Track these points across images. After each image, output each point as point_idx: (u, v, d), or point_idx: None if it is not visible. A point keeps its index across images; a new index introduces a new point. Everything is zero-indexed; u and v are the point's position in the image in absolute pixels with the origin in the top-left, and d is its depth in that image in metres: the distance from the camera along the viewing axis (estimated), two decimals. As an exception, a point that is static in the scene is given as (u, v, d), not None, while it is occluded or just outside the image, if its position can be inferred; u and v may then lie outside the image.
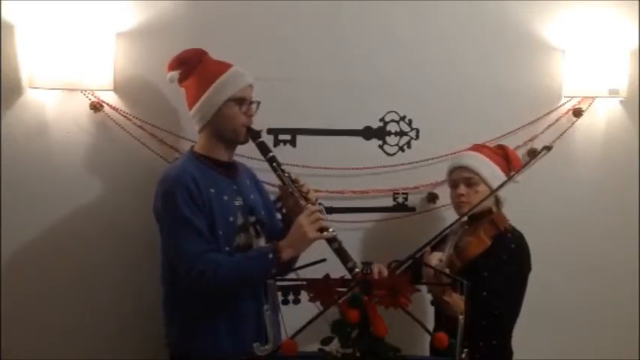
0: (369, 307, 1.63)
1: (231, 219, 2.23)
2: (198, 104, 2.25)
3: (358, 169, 2.79)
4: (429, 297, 2.66)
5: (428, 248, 2.36)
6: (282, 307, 1.95)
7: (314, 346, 1.69)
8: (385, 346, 1.64)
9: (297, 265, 2.19)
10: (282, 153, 2.70)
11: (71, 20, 2.35)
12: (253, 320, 2.26)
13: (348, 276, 2.12)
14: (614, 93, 2.90)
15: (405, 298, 1.63)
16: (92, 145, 2.51)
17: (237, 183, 2.31)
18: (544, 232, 2.79)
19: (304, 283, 1.76)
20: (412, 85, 2.84)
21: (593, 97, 2.97)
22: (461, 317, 1.73)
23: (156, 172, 2.43)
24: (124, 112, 2.52)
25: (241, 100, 2.25)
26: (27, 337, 2.51)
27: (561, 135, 2.98)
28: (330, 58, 2.74)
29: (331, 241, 2.18)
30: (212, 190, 2.20)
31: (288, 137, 2.74)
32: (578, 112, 2.98)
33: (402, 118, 2.85)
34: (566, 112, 2.99)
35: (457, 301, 2.21)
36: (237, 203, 2.27)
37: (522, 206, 2.66)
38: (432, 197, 2.89)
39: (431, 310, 2.64)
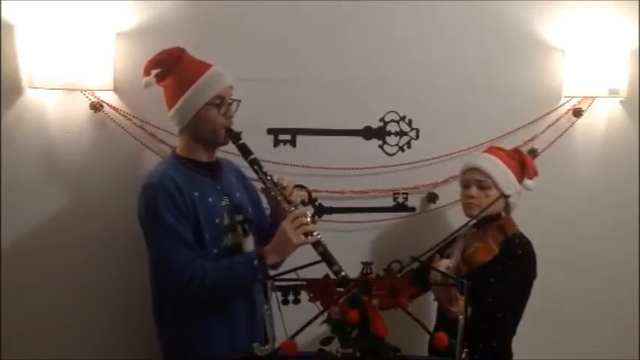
0: (369, 307, 1.63)
1: (217, 220, 2.21)
2: (176, 107, 2.21)
3: (358, 169, 2.79)
4: (429, 297, 2.66)
5: (437, 255, 2.35)
6: (282, 307, 1.96)
7: (314, 346, 1.69)
8: (385, 346, 1.64)
9: (297, 265, 2.19)
10: (282, 153, 2.71)
11: (71, 20, 2.34)
12: (245, 320, 2.26)
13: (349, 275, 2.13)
14: (614, 93, 2.90)
15: (405, 298, 1.64)
16: (92, 145, 2.51)
17: (222, 182, 2.29)
18: (544, 232, 2.79)
19: (304, 283, 1.76)
20: (412, 85, 2.84)
21: (593, 97, 2.97)
22: (461, 317, 1.73)
23: (156, 172, 2.44)
24: (124, 112, 2.52)
25: (220, 103, 2.21)
26: (26, 337, 2.51)
27: (561, 135, 2.98)
28: (330, 58, 2.74)
29: (316, 245, 2.17)
30: (196, 194, 2.18)
31: (288, 137, 2.73)
32: (578, 112, 2.98)
33: (402, 118, 2.85)
34: (566, 112, 2.99)
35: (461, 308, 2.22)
36: (223, 203, 2.25)
37: (522, 206, 2.65)
38: (432, 197, 2.89)
39: (431, 311, 2.64)
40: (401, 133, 2.85)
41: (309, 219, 2.18)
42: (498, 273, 2.36)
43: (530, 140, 2.95)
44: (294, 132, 2.74)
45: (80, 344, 2.57)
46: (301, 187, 2.73)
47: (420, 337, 2.50)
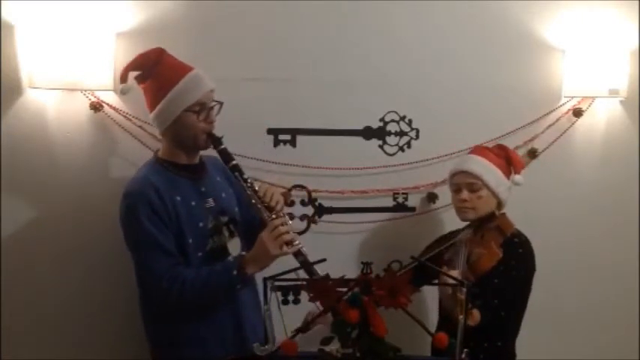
0: (369, 307, 1.64)
1: (200, 224, 2.19)
2: (155, 112, 2.19)
3: (358, 169, 2.79)
4: (429, 297, 2.67)
5: (449, 270, 2.34)
6: (282, 307, 1.96)
7: (314, 346, 1.70)
8: (385, 346, 1.65)
9: (297, 265, 2.19)
10: (282, 153, 2.71)
11: (71, 20, 2.34)
12: (232, 321, 2.25)
13: (349, 275, 2.12)
14: (614, 93, 2.90)
15: (405, 298, 1.64)
16: (92, 145, 2.51)
17: (206, 184, 2.26)
18: (544, 232, 2.79)
19: (304, 283, 1.77)
20: (412, 85, 2.83)
21: (593, 97, 2.96)
22: (461, 317, 1.73)
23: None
24: (124, 112, 2.52)
25: (200, 108, 2.16)
26: (26, 337, 2.51)
27: (561, 135, 2.98)
28: (330, 58, 2.73)
29: (296, 254, 2.12)
30: (178, 198, 2.16)
31: (288, 137, 2.73)
32: (578, 112, 2.98)
33: (402, 118, 2.85)
34: (566, 112, 2.99)
35: (476, 318, 2.23)
36: (207, 206, 2.22)
37: (522, 206, 2.66)
38: (432, 197, 2.88)
39: (431, 311, 2.64)
40: (401, 133, 2.85)
41: (289, 227, 2.13)
42: (501, 274, 2.37)
43: (530, 140, 2.95)
44: (294, 132, 2.74)
45: (80, 344, 2.57)
46: (301, 187, 2.73)
47: (420, 337, 2.50)
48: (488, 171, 2.47)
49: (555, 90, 2.96)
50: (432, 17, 2.82)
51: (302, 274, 2.22)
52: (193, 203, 2.19)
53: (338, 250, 2.75)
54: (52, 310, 2.54)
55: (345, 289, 1.67)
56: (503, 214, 2.52)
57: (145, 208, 2.10)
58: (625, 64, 2.91)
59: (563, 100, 2.98)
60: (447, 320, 2.39)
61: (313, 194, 2.75)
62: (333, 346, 1.66)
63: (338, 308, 1.68)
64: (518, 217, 2.54)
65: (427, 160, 2.84)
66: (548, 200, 3.01)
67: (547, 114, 2.96)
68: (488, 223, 2.47)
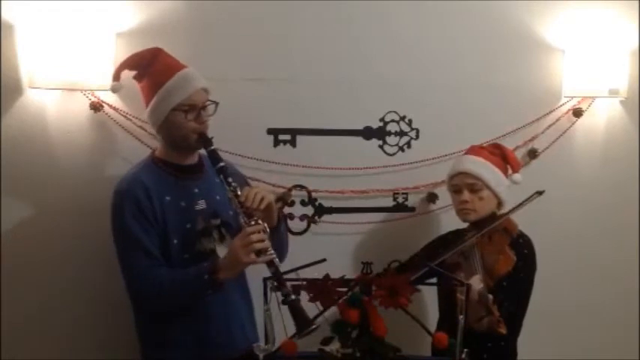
0: (369, 307, 1.64)
1: (188, 225, 2.18)
2: (147, 110, 2.20)
3: (358, 169, 2.79)
4: (429, 297, 2.66)
5: (468, 276, 2.33)
6: (282, 307, 1.96)
7: (314, 346, 1.70)
8: (385, 346, 1.65)
9: (297, 265, 2.19)
10: (282, 153, 2.71)
11: (71, 20, 2.34)
12: (221, 320, 2.24)
13: (349, 275, 2.12)
14: (614, 93, 2.90)
15: (405, 298, 1.64)
16: (92, 145, 2.51)
17: (200, 185, 2.24)
18: (544, 231, 2.79)
19: (304, 283, 1.77)
20: (412, 85, 2.83)
21: (593, 97, 2.96)
22: (461, 317, 1.73)
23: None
24: (124, 112, 2.52)
25: (189, 108, 2.15)
26: (26, 337, 2.51)
27: (561, 135, 2.98)
28: (330, 58, 2.73)
29: (268, 264, 2.05)
30: (167, 198, 2.16)
31: (288, 137, 2.73)
32: (578, 112, 2.97)
33: (402, 118, 2.85)
34: (566, 112, 2.99)
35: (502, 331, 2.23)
36: (197, 208, 2.21)
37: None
38: (432, 197, 2.88)
39: (431, 311, 2.64)
40: (401, 133, 2.85)
41: (262, 236, 2.06)
42: (510, 276, 2.38)
43: (530, 140, 2.95)
44: (294, 132, 2.73)
45: (80, 344, 2.57)
46: (301, 187, 2.73)
47: (420, 337, 2.50)
48: (488, 171, 2.47)
49: (555, 90, 2.96)
50: (431, 17, 2.82)
51: (302, 274, 2.23)
52: (183, 204, 2.19)
53: (338, 250, 2.75)
54: (52, 310, 2.53)
55: (345, 289, 1.67)
56: (510, 218, 2.52)
57: (132, 206, 2.12)
58: (625, 64, 2.90)
59: (563, 100, 2.98)
60: (446, 320, 2.40)
61: (313, 194, 2.75)
62: (333, 346, 1.66)
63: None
64: (519, 217, 2.53)
65: (427, 160, 2.84)
66: (548, 200, 3.00)
67: (547, 114, 2.96)
68: (492, 224, 2.46)
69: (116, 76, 2.25)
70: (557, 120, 2.97)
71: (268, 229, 2.10)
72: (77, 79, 2.38)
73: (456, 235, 2.56)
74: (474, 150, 2.58)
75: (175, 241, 2.16)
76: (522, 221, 2.53)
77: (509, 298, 2.34)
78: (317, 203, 2.78)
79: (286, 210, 2.73)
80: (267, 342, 1.79)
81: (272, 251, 2.05)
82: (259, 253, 2.03)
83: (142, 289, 2.12)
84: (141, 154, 2.51)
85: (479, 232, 2.44)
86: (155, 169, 2.22)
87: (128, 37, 2.48)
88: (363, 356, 1.62)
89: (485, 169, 2.47)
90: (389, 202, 2.87)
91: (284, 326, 2.14)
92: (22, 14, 2.36)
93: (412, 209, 2.89)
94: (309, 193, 2.74)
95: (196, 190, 2.23)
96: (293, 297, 1.91)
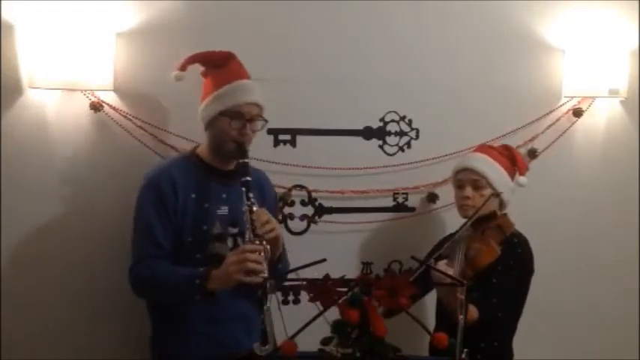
0: (369, 307, 1.64)
1: (204, 227, 2.20)
2: (201, 107, 2.26)
3: (358, 169, 2.79)
4: (429, 297, 2.66)
5: (439, 261, 2.34)
6: (282, 307, 1.96)
7: (314, 346, 1.69)
8: (385, 346, 1.65)
9: (297, 265, 2.19)
10: (282, 153, 2.71)
11: (71, 20, 2.34)
12: (239, 320, 2.25)
13: (349, 275, 2.11)
14: (614, 93, 2.90)
15: (405, 298, 1.64)
16: (92, 145, 2.51)
17: (230, 192, 2.25)
18: (544, 232, 2.80)
19: (304, 283, 1.76)
20: (412, 85, 2.83)
21: (593, 97, 2.96)
22: (461, 317, 1.73)
23: (156, 172, 2.43)
24: (124, 112, 2.52)
25: (236, 116, 2.19)
26: (26, 337, 2.51)
27: (561, 135, 2.98)
28: (330, 57, 2.73)
29: (257, 286, 2.00)
30: (192, 196, 2.19)
31: (288, 137, 2.73)
32: (578, 112, 2.98)
33: (402, 118, 2.85)
34: (566, 112, 2.99)
35: (473, 315, 2.23)
36: (219, 212, 2.23)
37: (522, 206, 2.66)
38: (432, 197, 2.88)
39: (431, 311, 2.64)
40: (401, 133, 2.85)
41: (259, 258, 2.03)
42: (500, 273, 2.37)
43: (530, 140, 2.95)
44: (294, 132, 2.74)
45: (79, 345, 2.56)
46: (301, 187, 2.73)
47: (420, 337, 2.50)
48: (493, 170, 2.48)
49: (555, 90, 2.96)
50: (432, 17, 2.83)
51: (302, 274, 2.22)
52: (206, 205, 2.22)
53: (338, 250, 2.75)
54: (52, 310, 2.53)
55: (345, 289, 1.67)
56: (505, 213, 2.53)
57: (154, 195, 2.17)
58: (625, 64, 2.91)
59: (563, 100, 2.98)
60: (444, 321, 2.40)
61: (313, 194, 2.76)
62: (333, 346, 1.65)
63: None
64: (518, 217, 2.54)
65: (427, 160, 2.84)
66: (548, 200, 3.01)
67: (547, 114, 2.97)
68: (489, 222, 2.46)
69: (183, 67, 2.27)
70: (557, 120, 2.98)
71: (270, 253, 2.09)
72: (77, 79, 2.37)
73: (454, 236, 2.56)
74: (483, 148, 2.59)
75: (190, 239, 2.19)
76: (522, 221, 2.53)
77: (499, 296, 2.33)
78: (317, 203, 2.78)
79: (286, 210, 2.73)
80: (267, 342, 1.79)
81: (265, 274, 2.01)
82: (251, 273, 2.01)
83: (140, 274, 2.16)
84: (141, 154, 2.52)
85: (473, 228, 2.44)
86: (189, 164, 2.25)
87: (128, 37, 2.48)
88: (363, 356, 1.62)
89: (490, 167, 2.48)
90: (389, 202, 2.87)
91: (284, 326, 2.14)
92: (22, 14, 2.35)
93: (412, 209, 2.89)
94: (309, 193, 2.74)
95: (224, 196, 2.25)
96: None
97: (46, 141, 2.46)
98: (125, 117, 2.52)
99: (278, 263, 2.25)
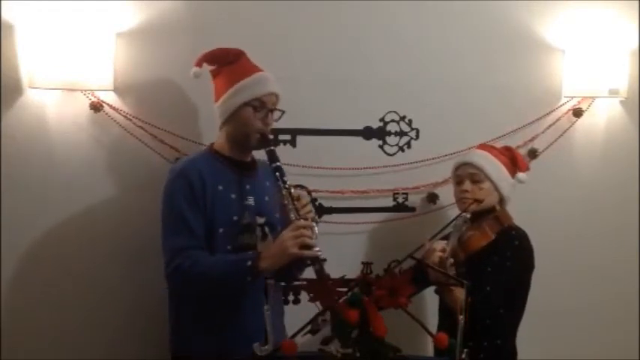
0: (369, 307, 1.63)
1: (235, 218, 2.21)
2: (219, 102, 2.26)
3: (358, 169, 2.79)
4: (428, 297, 2.66)
5: (427, 242, 2.37)
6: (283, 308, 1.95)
7: (314, 346, 1.69)
8: (385, 346, 1.64)
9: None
10: (282, 153, 2.69)
11: (71, 20, 2.34)
12: (251, 319, 2.22)
13: (349, 275, 2.11)
14: (614, 93, 2.90)
15: (405, 298, 1.64)
16: (92, 145, 2.51)
17: (253, 183, 2.29)
18: (544, 231, 2.79)
19: (304, 283, 1.77)
20: (412, 85, 2.83)
21: (593, 97, 2.97)
22: (461, 317, 1.73)
23: (156, 172, 2.44)
24: (124, 112, 2.52)
25: (259, 106, 2.23)
26: (27, 338, 2.51)
27: (561, 135, 2.98)
28: (330, 57, 2.74)
29: (313, 261, 2.08)
30: (220, 187, 2.20)
31: (288, 137, 2.73)
32: (578, 112, 2.98)
33: (402, 118, 2.85)
34: (566, 112, 2.99)
35: (458, 295, 2.23)
36: (246, 203, 2.25)
37: (522, 206, 2.65)
38: (433, 197, 2.88)
39: (431, 311, 2.64)
40: (401, 133, 2.85)
41: (312, 233, 2.10)
42: (495, 263, 2.38)
43: (530, 140, 2.95)
44: (294, 132, 2.74)
45: (79, 345, 2.56)
46: (301, 187, 2.73)
47: (420, 337, 2.50)
48: (491, 164, 2.49)
49: (555, 90, 2.96)
50: (432, 17, 2.83)
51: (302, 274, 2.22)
52: (233, 196, 2.23)
53: (338, 250, 2.74)
54: (52, 310, 2.53)
55: (345, 289, 1.67)
56: (503, 208, 2.53)
57: (183, 186, 2.16)
58: (625, 64, 2.91)
59: (563, 100, 2.98)
60: (446, 319, 2.40)
61: (313, 194, 2.75)
62: (333, 346, 1.65)
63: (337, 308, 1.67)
64: (519, 216, 2.54)
65: (427, 160, 2.84)
66: (548, 200, 3.01)
67: (547, 114, 2.97)
68: (488, 215, 2.47)
69: (199, 63, 2.28)
70: (557, 120, 2.98)
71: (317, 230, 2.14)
72: (77, 79, 2.38)
73: None
74: (482, 147, 2.60)
75: (221, 230, 2.19)
76: (522, 221, 2.53)
77: (492, 285, 2.33)
78: (317, 203, 2.78)
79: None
80: (267, 342, 1.79)
81: (319, 249, 2.08)
82: (307, 247, 2.07)
83: (182, 266, 2.11)
84: (141, 154, 2.52)
85: (470, 220, 2.44)
86: (211, 159, 2.26)
87: (128, 37, 2.48)
88: (363, 356, 1.62)
89: (488, 162, 2.49)
90: (389, 202, 2.87)
91: (284, 326, 2.14)
92: (22, 14, 2.36)
93: (412, 209, 2.89)
94: (309, 193, 2.74)
95: (248, 187, 2.27)
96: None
97: (46, 141, 2.46)
98: (125, 117, 2.52)
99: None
